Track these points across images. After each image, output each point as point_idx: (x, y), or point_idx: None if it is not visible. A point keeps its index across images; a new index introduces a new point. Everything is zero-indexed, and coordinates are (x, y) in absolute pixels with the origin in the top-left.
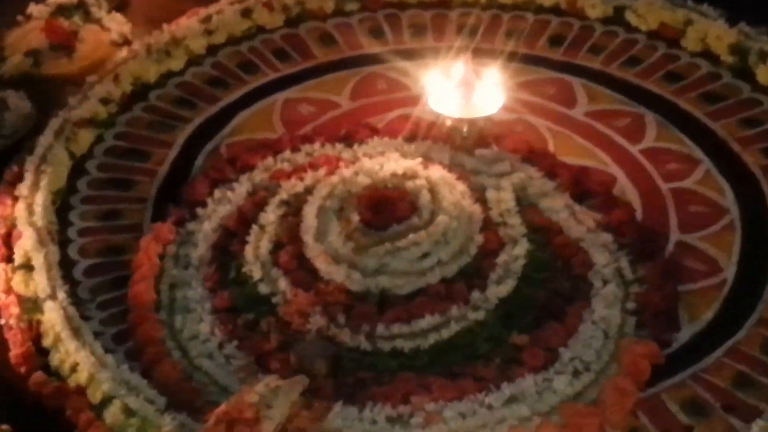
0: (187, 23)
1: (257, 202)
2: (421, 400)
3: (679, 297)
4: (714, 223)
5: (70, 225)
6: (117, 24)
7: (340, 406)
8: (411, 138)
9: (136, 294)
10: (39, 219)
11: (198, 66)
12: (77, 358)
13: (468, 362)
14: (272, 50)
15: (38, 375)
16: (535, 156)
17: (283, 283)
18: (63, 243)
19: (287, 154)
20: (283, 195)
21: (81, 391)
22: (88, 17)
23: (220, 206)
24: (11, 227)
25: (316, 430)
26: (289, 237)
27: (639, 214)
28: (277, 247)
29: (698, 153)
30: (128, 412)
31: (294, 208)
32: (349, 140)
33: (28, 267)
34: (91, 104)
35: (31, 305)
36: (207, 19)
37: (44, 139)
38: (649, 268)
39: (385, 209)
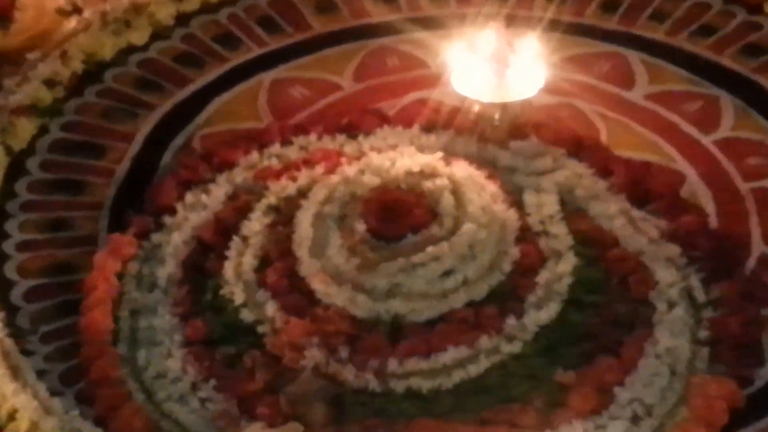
0: None
1: (239, 207)
2: None
3: (763, 323)
4: None
5: (7, 237)
6: None
7: None
8: (429, 127)
9: (90, 323)
10: None
11: (165, 40)
12: (16, 402)
13: (501, 406)
14: (257, 19)
15: None
16: (585, 149)
17: (271, 309)
18: None
19: (276, 148)
20: (270, 199)
21: None
22: None
23: (194, 213)
24: None
25: None
26: (279, 251)
27: (713, 221)
28: (263, 263)
29: None
30: None
31: (284, 215)
32: (352, 130)
33: None
34: (32, 87)
35: None
36: None
37: None
38: (725, 288)
39: (397, 216)
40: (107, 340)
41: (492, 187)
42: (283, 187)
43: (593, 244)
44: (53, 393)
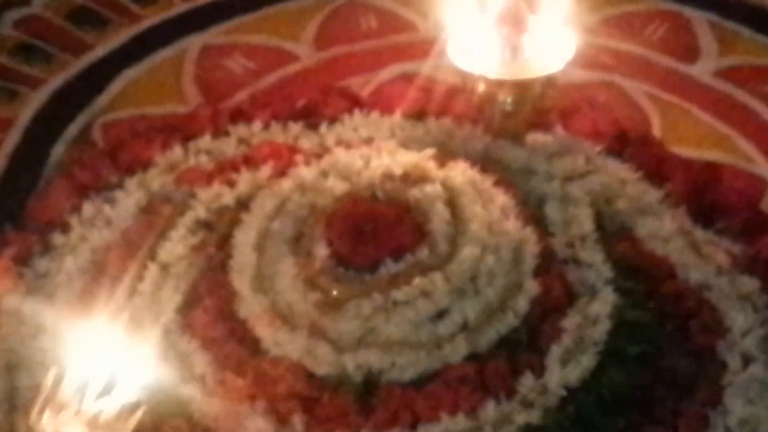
0: None
1: (155, 224)
2: None
3: None
4: None
5: None
6: None
7: None
8: (417, 114)
9: None
10: None
11: None
12: None
13: None
14: None
15: None
16: (630, 145)
17: (200, 363)
18: None
19: (206, 140)
20: (199, 211)
21: None
22: None
23: (93, 231)
24: None
25: None
26: (211, 284)
27: None
28: (189, 301)
29: None
30: None
31: (218, 233)
32: (311, 117)
33: None
34: None
35: None
36: None
37: None
38: None
39: (372, 236)
40: None
41: (502, 198)
42: (215, 195)
43: (640, 275)
44: None
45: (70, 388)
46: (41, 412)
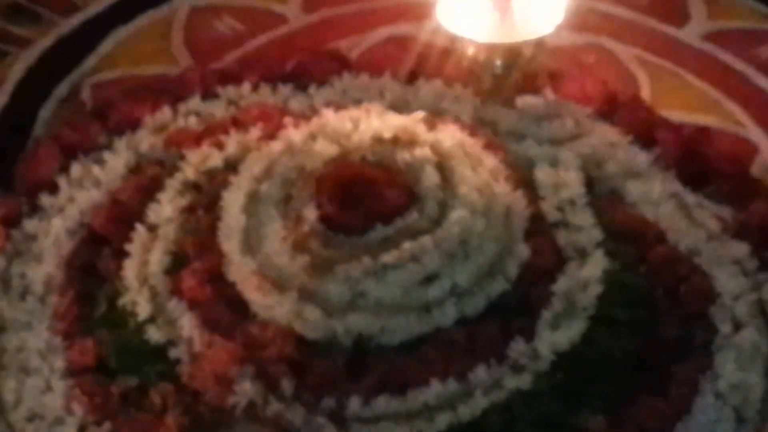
0: None
1: (144, 185)
2: None
3: None
4: None
5: None
6: None
7: None
8: (407, 77)
9: None
10: None
11: None
12: None
13: None
14: None
15: None
16: (619, 108)
17: (188, 326)
18: None
19: (195, 102)
20: (187, 173)
21: None
22: None
23: (82, 192)
24: None
25: None
26: (199, 246)
27: None
28: (177, 263)
29: None
30: None
31: (206, 195)
32: (300, 79)
33: None
34: None
35: None
36: None
37: None
38: None
39: (361, 199)
40: None
41: (492, 160)
42: (204, 157)
43: (631, 239)
44: None
45: None
46: None
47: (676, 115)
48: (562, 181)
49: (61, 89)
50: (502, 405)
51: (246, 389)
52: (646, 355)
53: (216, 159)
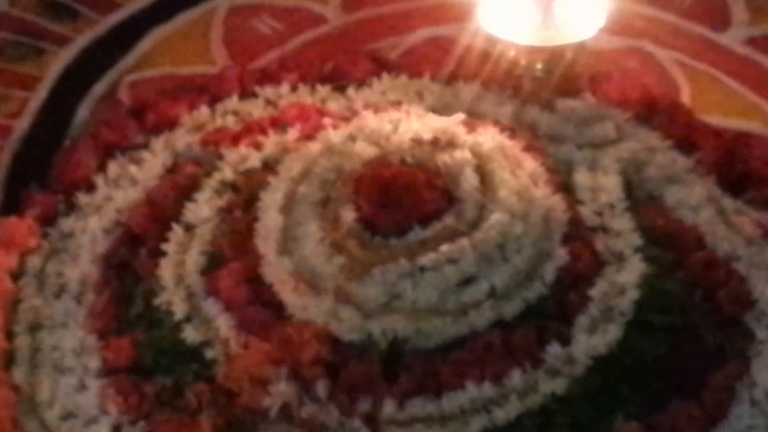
0: None
1: (181, 184)
2: None
3: None
4: None
5: None
6: None
7: None
8: (448, 79)
9: None
10: None
11: None
12: None
13: None
14: None
15: None
16: (659, 113)
17: (224, 326)
18: None
19: (233, 101)
20: (225, 173)
21: None
22: None
23: (119, 191)
24: None
25: None
26: (236, 246)
27: None
28: (214, 263)
29: None
30: None
31: (244, 195)
32: (339, 80)
33: None
34: None
35: None
36: None
37: None
38: None
39: (400, 201)
40: None
41: (531, 164)
42: (242, 157)
43: (669, 245)
44: None
45: None
46: None
47: (716, 119)
48: (601, 186)
49: (99, 88)
50: (537, 409)
51: (281, 390)
52: (682, 360)
53: (254, 159)
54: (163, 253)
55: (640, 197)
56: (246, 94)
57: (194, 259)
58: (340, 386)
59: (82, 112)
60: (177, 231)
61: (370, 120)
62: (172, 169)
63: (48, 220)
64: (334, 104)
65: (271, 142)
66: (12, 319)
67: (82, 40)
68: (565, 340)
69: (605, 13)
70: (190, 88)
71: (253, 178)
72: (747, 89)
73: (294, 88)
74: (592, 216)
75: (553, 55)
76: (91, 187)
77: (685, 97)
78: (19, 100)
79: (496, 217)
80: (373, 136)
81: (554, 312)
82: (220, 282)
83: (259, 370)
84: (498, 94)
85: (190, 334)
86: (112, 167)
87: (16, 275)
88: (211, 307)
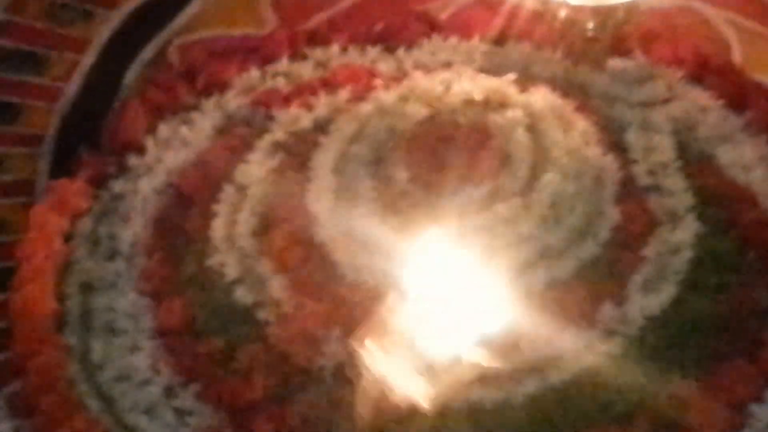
0: None
1: (233, 145)
2: None
3: None
4: None
5: None
6: None
7: None
8: (498, 39)
9: (24, 301)
10: None
11: None
12: None
13: (594, 426)
14: None
15: None
16: (711, 72)
17: (277, 287)
18: None
19: (284, 63)
20: (277, 134)
21: None
22: None
23: (170, 152)
24: None
25: None
26: (288, 207)
27: None
28: (266, 224)
29: None
30: None
31: (296, 156)
32: (390, 41)
33: None
34: None
35: None
36: None
37: None
38: None
39: (453, 161)
40: (48, 326)
41: (583, 124)
42: (294, 118)
43: (722, 204)
44: None
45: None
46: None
47: (766, 78)
48: (654, 145)
49: (149, 50)
50: (591, 370)
51: (333, 350)
52: (737, 319)
53: (305, 120)
54: (214, 214)
55: (692, 157)
56: (296, 56)
57: (246, 219)
58: None
59: (132, 74)
60: (228, 192)
61: (421, 81)
62: (222, 131)
63: (99, 182)
64: (384, 65)
65: (322, 103)
66: (64, 280)
67: (132, 2)
68: (620, 300)
69: None
70: (239, 50)
71: (305, 139)
72: None
73: (344, 50)
74: (644, 175)
75: (604, 15)
76: (141, 149)
77: (736, 56)
78: (68, 63)
79: (548, 177)
80: (425, 97)
81: (608, 272)
82: (272, 243)
83: (312, 331)
84: (548, 55)
85: (243, 295)
86: (163, 129)
87: (68, 237)
88: (263, 268)
